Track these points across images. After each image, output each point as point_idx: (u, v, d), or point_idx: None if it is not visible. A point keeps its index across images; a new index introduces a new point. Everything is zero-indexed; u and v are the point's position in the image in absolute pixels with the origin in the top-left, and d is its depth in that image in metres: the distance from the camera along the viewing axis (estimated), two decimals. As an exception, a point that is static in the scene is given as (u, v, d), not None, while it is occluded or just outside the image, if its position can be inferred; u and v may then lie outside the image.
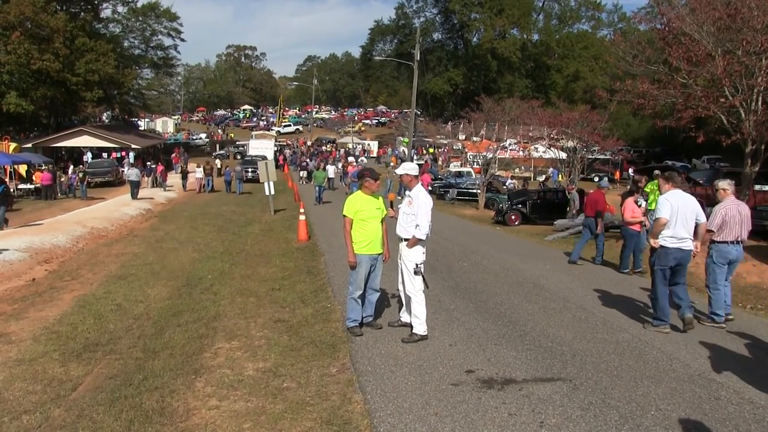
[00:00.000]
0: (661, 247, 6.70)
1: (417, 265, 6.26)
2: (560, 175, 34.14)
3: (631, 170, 37.31)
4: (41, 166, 32.26)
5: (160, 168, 35.27)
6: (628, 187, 13.27)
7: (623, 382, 5.18)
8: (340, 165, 40.00)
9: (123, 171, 38.27)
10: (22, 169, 32.55)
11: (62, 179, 30.56)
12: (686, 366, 5.59)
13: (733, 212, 7.14)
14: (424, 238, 6.25)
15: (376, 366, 5.58)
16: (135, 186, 27.80)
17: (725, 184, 7.40)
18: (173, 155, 48.79)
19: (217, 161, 43.37)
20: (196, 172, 34.53)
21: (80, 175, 30.18)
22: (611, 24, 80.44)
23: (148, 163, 38.82)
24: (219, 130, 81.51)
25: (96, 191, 32.15)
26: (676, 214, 6.63)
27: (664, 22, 15.63)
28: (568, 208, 20.62)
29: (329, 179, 31.51)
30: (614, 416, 4.48)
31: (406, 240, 6.33)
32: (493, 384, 5.11)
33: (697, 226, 6.81)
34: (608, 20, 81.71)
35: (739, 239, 7.19)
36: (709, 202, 14.96)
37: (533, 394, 4.90)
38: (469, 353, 5.94)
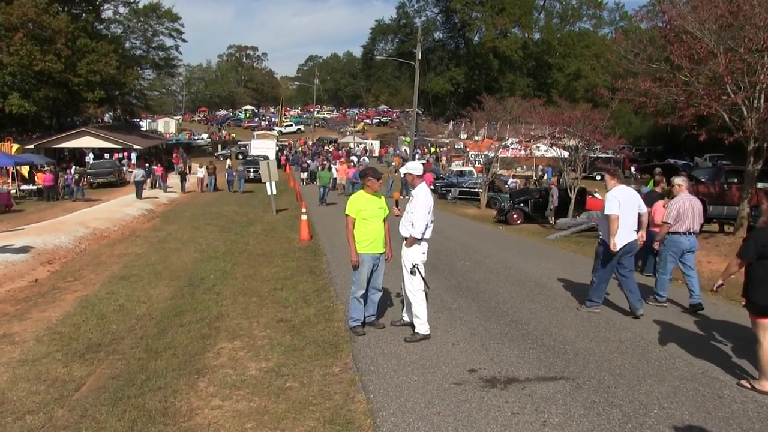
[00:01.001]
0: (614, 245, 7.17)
1: (414, 265, 6.26)
2: (553, 174, 34.12)
3: (633, 168, 37.32)
4: (43, 167, 32.32)
5: (160, 169, 35.23)
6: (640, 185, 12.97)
7: (626, 380, 5.17)
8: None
9: (125, 170, 38.44)
10: (25, 170, 32.62)
11: (58, 180, 30.25)
12: (689, 364, 5.58)
13: (686, 206, 7.81)
14: (419, 236, 6.24)
15: (379, 365, 5.58)
16: (140, 186, 28.18)
17: (680, 180, 8.14)
18: (174, 156, 48.83)
19: (228, 161, 43.60)
20: (198, 172, 34.67)
21: (76, 176, 30.18)
22: (612, 22, 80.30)
23: (146, 164, 38.78)
24: (223, 131, 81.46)
25: (98, 192, 32.21)
26: (626, 208, 7.15)
27: (665, 20, 15.60)
28: (549, 205, 20.61)
29: (334, 179, 30.24)
30: (617, 415, 4.47)
31: (406, 238, 6.34)
32: (495, 383, 5.11)
33: (639, 216, 7.38)
34: (609, 18, 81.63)
35: (691, 230, 7.88)
36: (711, 200, 14.98)
37: (536, 393, 4.90)
38: (472, 352, 5.93)
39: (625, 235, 7.16)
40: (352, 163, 36.69)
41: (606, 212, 7.20)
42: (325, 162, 37.83)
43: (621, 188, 7.39)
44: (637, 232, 7.40)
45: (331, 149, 58.79)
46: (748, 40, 13.02)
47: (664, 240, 8.04)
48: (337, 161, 38.18)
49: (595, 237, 12.09)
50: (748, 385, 5.01)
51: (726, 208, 14.89)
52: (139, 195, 27.87)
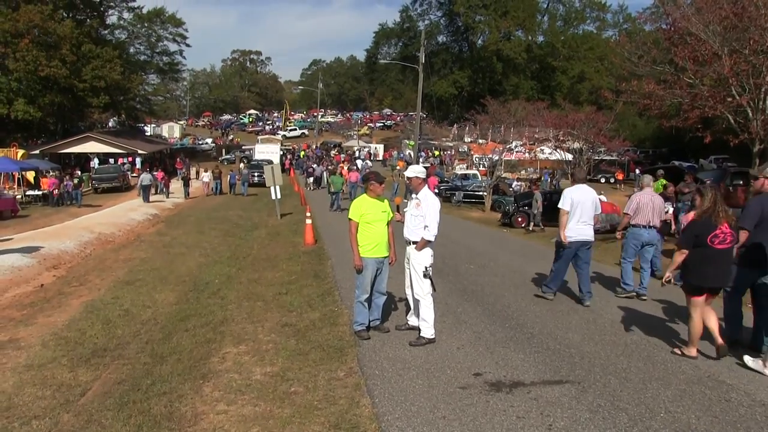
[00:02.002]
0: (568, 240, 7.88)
1: (426, 267, 6.25)
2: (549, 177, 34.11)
3: (638, 171, 37.24)
4: (49, 172, 32.43)
5: (160, 174, 35.23)
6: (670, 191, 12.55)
7: (632, 384, 5.15)
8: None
9: (129, 175, 38.60)
10: (30, 175, 32.77)
11: (55, 188, 29.89)
12: (695, 367, 5.55)
13: (646, 200, 8.48)
14: (433, 239, 6.25)
15: (384, 369, 5.57)
16: (146, 190, 28.48)
17: (641, 180, 9.14)
18: (177, 160, 48.95)
19: (242, 165, 43.88)
20: (204, 176, 34.87)
21: (75, 181, 30.22)
22: (616, 24, 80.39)
23: (147, 169, 38.73)
24: (230, 136, 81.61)
25: (103, 197, 32.32)
26: (577, 206, 7.78)
27: (669, 22, 15.62)
28: (533, 210, 20.49)
29: (352, 185, 27.31)
30: (623, 419, 4.45)
31: (414, 243, 6.32)
32: (501, 387, 5.10)
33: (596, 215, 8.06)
34: (613, 21, 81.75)
35: (650, 224, 8.52)
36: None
37: (541, 396, 4.88)
38: (477, 356, 5.92)
39: (578, 228, 7.81)
40: (355, 167, 36.66)
41: (558, 206, 7.99)
42: (330, 166, 37.78)
43: (578, 187, 8.04)
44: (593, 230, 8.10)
45: (336, 153, 58.82)
46: (753, 42, 13.02)
47: (626, 231, 8.83)
48: (340, 165, 38.11)
49: (599, 239, 12.06)
50: (679, 352, 5.83)
51: (731, 210, 14.84)
52: (145, 198, 28.24)
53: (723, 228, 5.61)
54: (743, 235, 5.89)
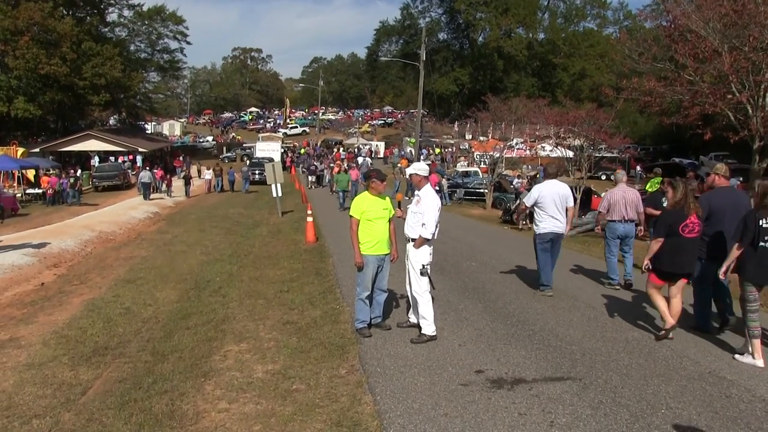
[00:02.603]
0: (539, 234, 8.33)
1: (423, 266, 6.25)
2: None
3: (638, 168, 37.18)
4: (49, 170, 32.43)
5: (159, 172, 35.11)
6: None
7: (633, 380, 5.15)
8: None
9: (130, 173, 38.61)
10: (30, 173, 32.78)
11: (49, 187, 29.45)
12: (696, 364, 5.55)
13: (617, 197, 8.84)
14: (430, 237, 6.24)
15: (386, 367, 5.57)
16: (147, 188, 28.55)
17: (617, 177, 9.35)
18: (180, 158, 48.92)
19: (247, 163, 44.07)
20: (206, 174, 34.98)
21: (71, 180, 30.21)
22: (617, 22, 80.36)
23: (147, 168, 38.53)
24: (231, 134, 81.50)
25: (103, 195, 32.32)
26: (548, 200, 8.11)
27: (669, 19, 15.60)
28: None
29: (353, 183, 24.98)
30: (624, 415, 4.46)
31: (413, 240, 6.32)
32: (502, 384, 5.10)
33: (567, 210, 8.28)
34: (614, 18, 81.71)
35: (625, 218, 8.83)
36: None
37: (543, 393, 4.88)
38: (479, 353, 5.92)
39: (548, 221, 8.17)
40: (354, 165, 36.58)
41: (522, 199, 8.50)
42: (331, 164, 37.68)
43: (549, 182, 8.38)
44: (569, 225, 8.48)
45: (337, 150, 58.73)
46: (753, 39, 13.01)
47: (605, 228, 9.19)
48: (336, 162, 37.96)
49: (601, 236, 12.04)
50: (663, 334, 6.15)
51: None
52: (146, 196, 28.28)
53: (692, 218, 6.02)
54: None
